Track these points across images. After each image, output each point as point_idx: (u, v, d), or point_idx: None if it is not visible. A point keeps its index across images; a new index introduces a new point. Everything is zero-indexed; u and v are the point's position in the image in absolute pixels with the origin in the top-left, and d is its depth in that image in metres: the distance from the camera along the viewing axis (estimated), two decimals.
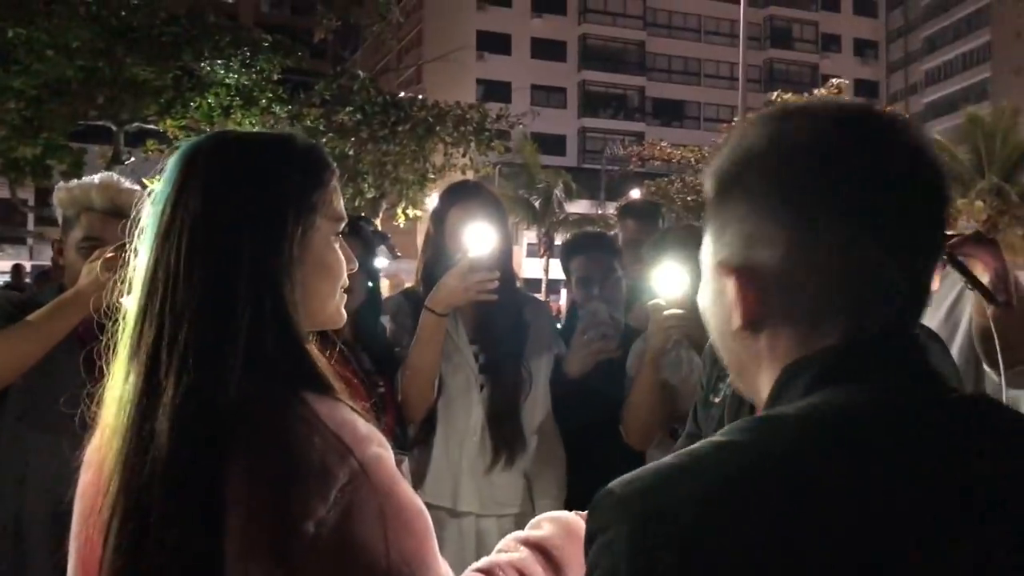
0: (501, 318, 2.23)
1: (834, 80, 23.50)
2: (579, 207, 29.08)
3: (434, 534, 0.96)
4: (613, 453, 2.21)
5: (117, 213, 1.87)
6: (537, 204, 28.53)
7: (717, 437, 0.71)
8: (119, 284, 1.03)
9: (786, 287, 0.73)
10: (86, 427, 1.03)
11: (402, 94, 17.16)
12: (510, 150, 20.00)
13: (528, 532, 1.21)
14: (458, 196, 2.29)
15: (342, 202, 1.07)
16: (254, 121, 13.09)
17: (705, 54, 43.18)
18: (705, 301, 0.82)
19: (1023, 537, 0.64)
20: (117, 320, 1.00)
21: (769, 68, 43.07)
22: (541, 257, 28.14)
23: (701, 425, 1.67)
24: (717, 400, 1.59)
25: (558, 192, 28.09)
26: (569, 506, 2.14)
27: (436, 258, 2.25)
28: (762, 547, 0.61)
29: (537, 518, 1.24)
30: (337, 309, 1.08)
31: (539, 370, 2.27)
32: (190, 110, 12.96)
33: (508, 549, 1.17)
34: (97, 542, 0.94)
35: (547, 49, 40.72)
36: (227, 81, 13.00)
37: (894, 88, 45.83)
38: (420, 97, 16.28)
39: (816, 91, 23.00)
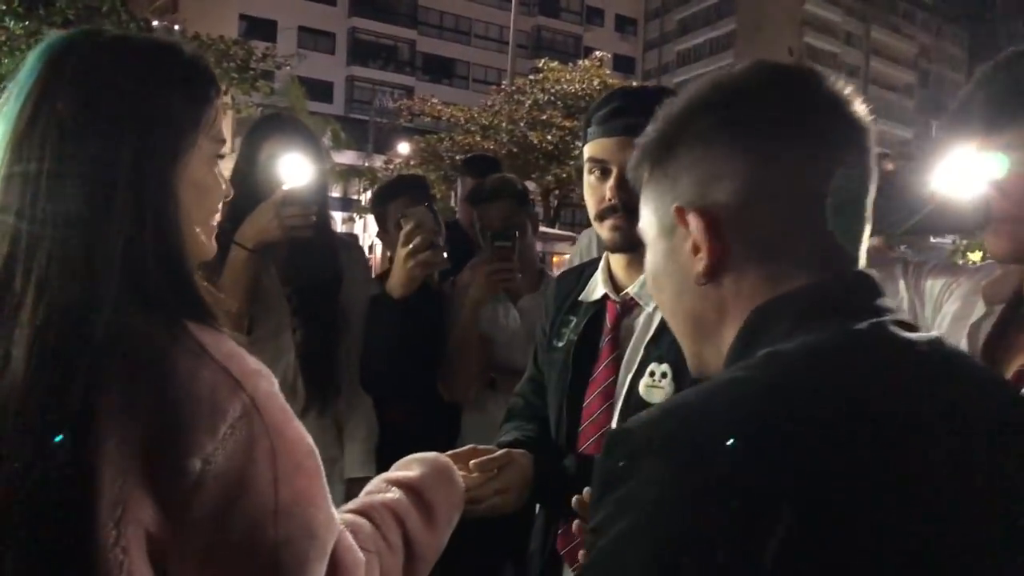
0: (316, 260, 2.15)
1: (597, 53, 24.53)
2: (346, 158, 28.44)
3: (323, 473, 0.94)
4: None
5: None
6: None
7: (724, 375, 0.71)
8: None
9: (747, 221, 0.75)
10: None
11: (156, 23, 15.85)
12: (275, 92, 19.15)
13: (398, 473, 1.21)
14: (271, 129, 2.16)
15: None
16: None
17: (476, 14, 43.40)
18: (655, 267, 0.83)
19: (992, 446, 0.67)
20: None
21: (537, 35, 44.09)
22: None
23: (543, 368, 1.72)
24: (561, 344, 1.64)
25: (326, 140, 27.30)
26: (381, 450, 2.19)
27: (246, 194, 2.07)
28: (815, 477, 0.60)
29: (406, 459, 1.25)
30: (208, 238, 1.00)
31: (354, 315, 2.20)
32: None
33: (379, 490, 1.16)
34: None
35: None
36: None
37: (649, 65, 48.66)
38: (177, 27, 15.14)
39: (580, 62, 23.89)
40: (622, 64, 42.44)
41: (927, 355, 0.72)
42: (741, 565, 0.58)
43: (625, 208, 1.48)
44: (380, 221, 2.66)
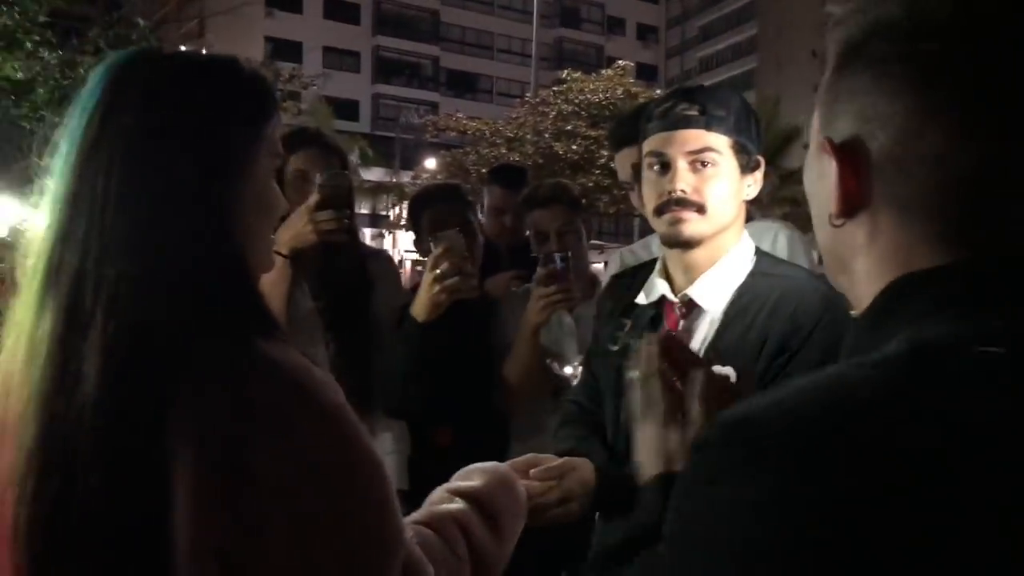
0: (346, 271, 2.15)
1: (619, 61, 24.57)
2: (374, 175, 28.68)
3: (394, 489, 0.92)
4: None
5: None
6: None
7: (838, 368, 0.63)
8: None
9: (894, 172, 0.66)
10: None
11: (183, 47, 16.12)
12: (302, 112, 19.39)
13: (460, 483, 1.19)
14: (298, 143, 2.17)
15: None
16: (17, 66, 11.84)
17: (498, 28, 43.66)
18: (809, 183, 0.76)
19: None
20: None
21: (559, 46, 44.26)
22: None
23: (597, 374, 1.69)
24: (615, 348, 1.60)
25: (353, 158, 27.57)
26: (423, 472, 2.15)
27: None
28: (919, 510, 0.51)
29: (466, 468, 1.22)
30: (270, 252, 1.01)
31: (386, 325, 2.17)
32: None
33: (442, 501, 1.14)
34: (8, 501, 0.83)
35: (340, 10, 39.55)
36: None
37: (671, 73, 48.60)
38: (204, 51, 15.38)
39: (603, 71, 23.93)
40: (645, 72, 42.41)
41: None
42: None
43: (685, 201, 1.46)
44: (415, 229, 2.58)
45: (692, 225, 1.47)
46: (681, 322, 1.53)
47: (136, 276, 0.84)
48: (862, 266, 0.70)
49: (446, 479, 1.23)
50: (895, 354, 0.60)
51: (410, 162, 28.80)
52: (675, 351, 1.13)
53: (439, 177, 22.94)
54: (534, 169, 20.01)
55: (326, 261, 2.11)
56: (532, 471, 1.35)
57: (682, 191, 1.46)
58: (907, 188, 0.65)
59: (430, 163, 24.98)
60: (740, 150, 1.49)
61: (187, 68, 0.93)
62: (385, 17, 41.19)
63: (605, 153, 18.25)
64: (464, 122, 23.66)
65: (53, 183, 0.89)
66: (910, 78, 0.64)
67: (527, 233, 2.58)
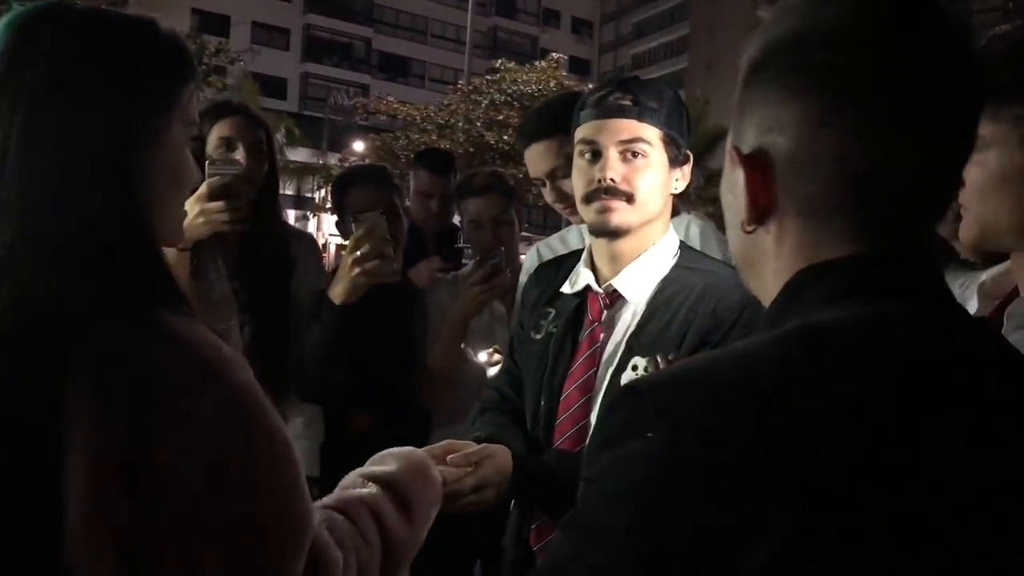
0: (266, 252, 2.09)
1: (554, 54, 24.62)
2: (300, 155, 28.16)
3: (301, 467, 0.90)
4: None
5: None
6: None
7: (742, 344, 0.68)
8: None
9: (795, 175, 0.69)
10: None
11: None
12: (228, 88, 18.90)
13: (373, 468, 1.16)
14: (224, 112, 2.10)
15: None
16: None
17: (433, 13, 43.30)
18: (724, 193, 0.78)
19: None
20: None
21: (493, 35, 44.14)
22: None
23: (519, 361, 1.69)
24: (539, 336, 1.60)
25: (280, 137, 27.05)
26: (340, 459, 2.11)
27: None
28: (822, 469, 0.57)
29: (380, 454, 1.20)
30: (179, 224, 0.96)
31: (306, 310, 2.12)
32: None
33: (354, 485, 1.12)
34: None
35: None
36: None
37: (604, 68, 49.03)
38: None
39: (536, 63, 23.96)
40: (578, 66, 42.65)
41: (966, 340, 0.67)
42: (724, 561, 0.56)
43: (614, 190, 1.47)
44: (338, 211, 2.49)
45: (620, 215, 1.47)
46: (604, 312, 1.54)
47: (30, 241, 0.80)
48: (771, 268, 0.74)
49: (360, 466, 1.20)
50: (790, 330, 0.66)
51: (338, 144, 28.38)
52: None
53: (367, 160, 22.68)
54: (464, 158, 19.96)
55: (246, 242, 2.05)
56: (449, 457, 1.33)
57: (612, 180, 1.46)
58: (809, 189, 0.69)
59: (358, 146, 24.65)
60: (670, 143, 1.49)
61: (97, 25, 0.88)
62: None
63: None
64: (395, 106, 23.40)
65: None
66: (806, 84, 0.68)
67: (454, 219, 2.54)
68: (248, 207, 1.99)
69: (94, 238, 0.82)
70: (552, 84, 21.49)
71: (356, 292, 1.95)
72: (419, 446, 1.29)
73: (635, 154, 1.47)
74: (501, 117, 21.41)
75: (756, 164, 0.72)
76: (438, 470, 1.26)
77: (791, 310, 0.70)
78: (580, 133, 1.52)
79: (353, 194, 2.28)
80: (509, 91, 21.88)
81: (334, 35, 41.14)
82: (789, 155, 0.70)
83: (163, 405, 0.79)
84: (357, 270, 1.93)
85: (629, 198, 1.47)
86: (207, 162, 1.89)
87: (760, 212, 0.73)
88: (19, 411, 0.76)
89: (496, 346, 2.22)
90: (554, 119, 1.91)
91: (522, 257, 2.52)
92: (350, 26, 41.47)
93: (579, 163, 1.53)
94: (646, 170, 1.47)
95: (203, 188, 1.83)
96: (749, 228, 0.74)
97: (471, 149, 21.35)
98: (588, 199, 1.50)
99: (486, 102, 21.89)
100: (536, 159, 2.06)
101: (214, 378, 0.82)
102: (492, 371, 2.04)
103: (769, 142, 0.71)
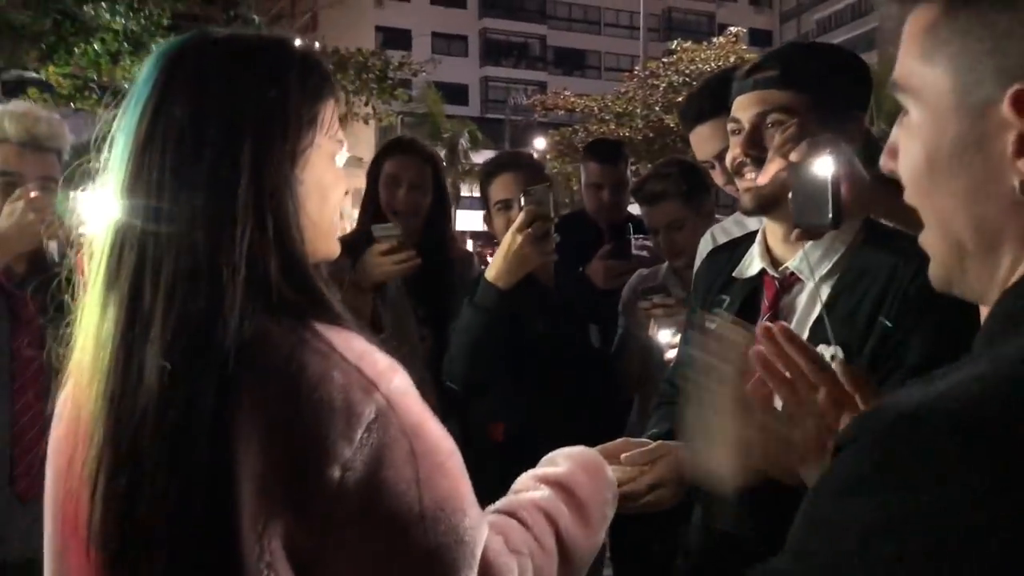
0: (436, 273, 2.24)
1: (731, 28, 23.81)
2: (484, 158, 28.82)
3: (467, 474, 0.89)
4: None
5: (35, 146, 1.74)
6: (442, 155, 28.22)
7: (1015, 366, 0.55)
8: (47, 224, 0.92)
9: None
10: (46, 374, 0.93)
11: (298, 41, 16.65)
12: (412, 99, 19.65)
13: (546, 469, 1.14)
14: (386, 153, 2.35)
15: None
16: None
17: (605, 2, 43.07)
18: (930, 148, 0.64)
19: None
20: (68, 251, 0.89)
21: (668, 17, 43.25)
22: None
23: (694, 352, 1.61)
24: (713, 327, 1.52)
25: (463, 142, 27.85)
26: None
27: (369, 215, 2.34)
28: None
29: (552, 454, 1.17)
30: (332, 237, 0.98)
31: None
32: (75, 56, 12.23)
33: (526, 488, 1.10)
34: (82, 499, 0.84)
35: None
36: (113, 26, 12.29)
37: (787, 37, 46.78)
38: (317, 44, 15.83)
39: (714, 40, 23.27)
40: (759, 38, 40.90)
41: None
42: None
43: (743, 164, 1.40)
44: (484, 203, 2.38)
45: (763, 191, 1.38)
46: (782, 297, 1.44)
47: (191, 269, 0.83)
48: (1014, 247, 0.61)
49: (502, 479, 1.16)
50: None
51: (519, 143, 28.80)
52: (780, 338, 1.03)
53: (548, 157, 22.87)
54: (644, 143, 19.73)
55: (420, 265, 2.19)
56: (623, 455, 1.29)
57: (745, 155, 1.39)
58: None
59: (540, 143, 24.91)
60: (822, 107, 1.37)
61: (237, 52, 0.91)
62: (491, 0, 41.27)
63: None
64: (572, 99, 23.46)
65: (111, 180, 0.89)
66: None
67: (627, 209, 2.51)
68: (417, 234, 2.25)
69: (250, 265, 0.84)
70: (732, 59, 20.77)
71: (523, 270, 1.85)
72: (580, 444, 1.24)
73: (774, 124, 1.37)
74: (680, 99, 20.94)
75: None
76: (612, 469, 1.22)
77: None
78: (731, 113, 1.46)
79: (496, 183, 2.23)
80: (687, 72, 21.38)
81: (509, 36, 41.80)
82: None
83: (322, 421, 0.79)
84: (528, 248, 1.82)
85: None
86: (375, 225, 2.16)
87: None
88: (190, 439, 0.79)
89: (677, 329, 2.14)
90: (714, 99, 1.83)
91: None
92: (524, 26, 41.97)
93: (731, 142, 1.46)
94: (792, 141, 1.37)
95: (374, 248, 2.08)
96: (1013, 196, 0.59)
97: (651, 134, 21.05)
98: (733, 179, 1.45)
99: (664, 85, 21.51)
100: (701, 142, 1.98)
101: (371, 388, 0.82)
102: (670, 354, 1.95)
103: None
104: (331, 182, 0.96)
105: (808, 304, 1.40)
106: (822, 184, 1.16)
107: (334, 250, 0.99)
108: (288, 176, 0.88)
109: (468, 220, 19.90)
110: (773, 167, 1.31)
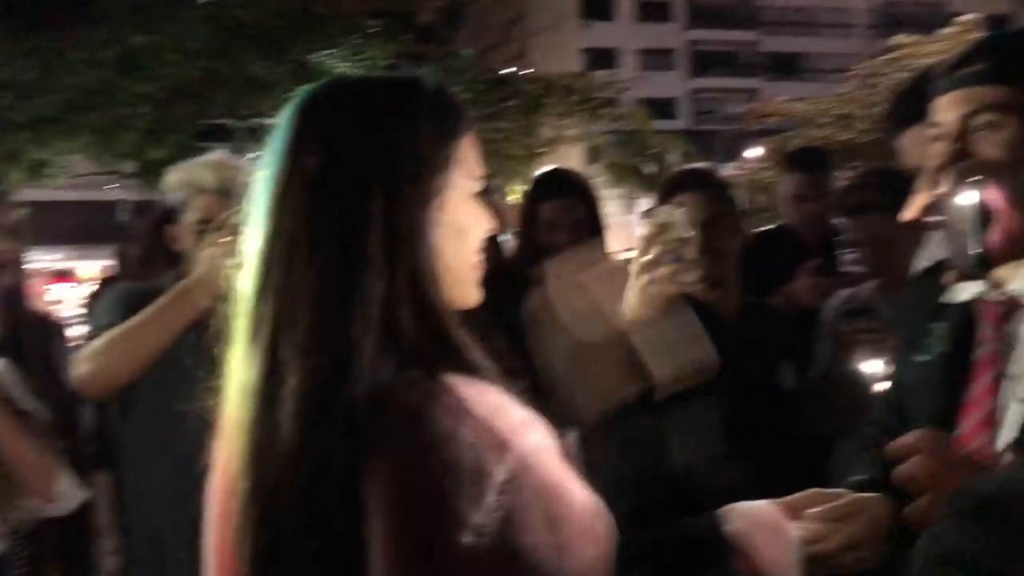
0: None
1: (963, 17, 21.93)
2: None
3: (608, 537, 0.83)
4: None
5: (230, 193, 1.82)
6: (652, 170, 27.99)
7: None
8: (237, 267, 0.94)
9: None
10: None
11: (508, 70, 17.19)
12: (619, 118, 19.67)
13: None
14: (542, 189, 2.36)
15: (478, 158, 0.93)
16: None
17: (819, 2, 41.16)
18: None
19: None
20: (227, 304, 0.90)
21: (888, 11, 40.62)
22: None
23: (903, 389, 1.43)
24: (925, 359, 1.34)
25: (673, 156, 27.53)
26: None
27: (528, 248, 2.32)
28: None
29: (723, 509, 1.08)
30: (471, 284, 0.94)
31: None
32: None
33: None
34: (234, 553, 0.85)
35: (651, 11, 39.63)
36: (338, 72, 13.25)
37: None
38: (522, 73, 16.24)
39: (943, 30, 21.52)
40: (996, 25, 37.48)
41: None
42: None
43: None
44: None
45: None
46: (1006, 324, 1.23)
47: (325, 319, 0.82)
48: None
49: None
50: None
51: (733, 153, 28.02)
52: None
53: (763, 166, 22.06)
54: (870, 147, 18.52)
55: None
56: (807, 512, 1.15)
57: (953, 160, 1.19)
58: None
59: (753, 152, 24.09)
60: None
61: (366, 96, 0.90)
62: (698, 10, 40.57)
63: None
64: (786, 105, 22.53)
65: (252, 231, 0.89)
66: None
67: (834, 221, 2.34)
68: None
69: (384, 316, 0.82)
70: None
71: (647, 307, 1.57)
72: None
73: (986, 126, 1.18)
74: None
75: None
76: (797, 527, 1.09)
77: None
78: (932, 116, 1.27)
79: (675, 202, 1.95)
80: (912, 68, 19.92)
81: (719, 46, 40.92)
82: None
83: (451, 483, 0.75)
84: (646, 278, 1.56)
85: None
86: None
87: None
88: (323, 501, 0.78)
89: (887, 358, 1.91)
90: (922, 100, 1.62)
91: None
92: (734, 34, 40.94)
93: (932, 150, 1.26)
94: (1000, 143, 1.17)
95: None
96: None
97: (877, 136, 19.79)
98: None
99: (885, 83, 20.15)
100: (910, 148, 1.77)
101: (504, 446, 0.77)
102: (878, 387, 1.74)
103: None
104: (470, 223, 0.92)
105: None
106: (967, 219, 1.09)
107: (472, 298, 0.95)
108: (422, 220, 0.86)
109: None
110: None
